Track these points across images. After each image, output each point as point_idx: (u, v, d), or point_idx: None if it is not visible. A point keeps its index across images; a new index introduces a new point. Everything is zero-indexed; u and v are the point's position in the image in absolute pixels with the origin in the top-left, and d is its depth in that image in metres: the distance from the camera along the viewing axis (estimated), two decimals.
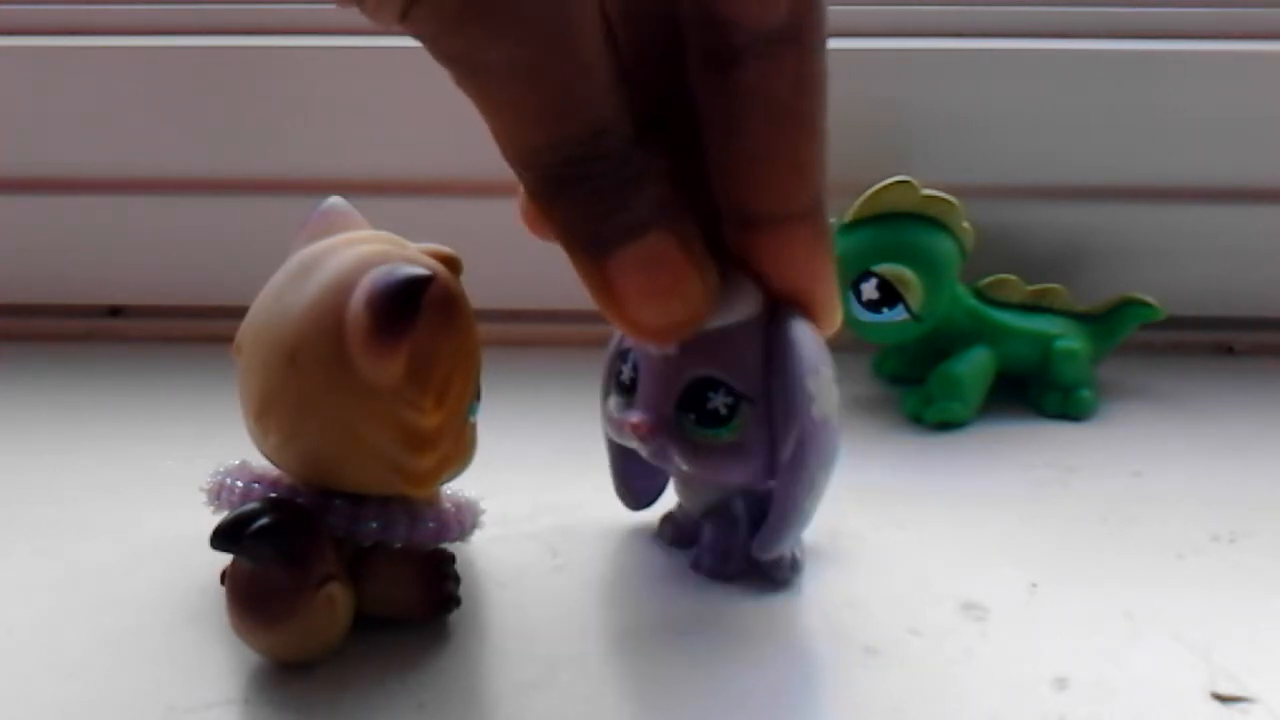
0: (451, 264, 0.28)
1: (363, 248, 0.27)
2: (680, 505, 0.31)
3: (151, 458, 0.36)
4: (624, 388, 0.29)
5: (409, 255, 0.27)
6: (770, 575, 0.30)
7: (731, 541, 0.30)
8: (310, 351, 0.26)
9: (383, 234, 0.28)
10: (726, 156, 0.27)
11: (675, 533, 0.31)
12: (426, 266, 0.26)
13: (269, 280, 0.27)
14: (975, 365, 0.38)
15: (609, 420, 0.30)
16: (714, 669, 0.27)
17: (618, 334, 0.30)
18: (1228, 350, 0.44)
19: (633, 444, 0.29)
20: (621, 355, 0.29)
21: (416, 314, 0.25)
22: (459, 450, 0.28)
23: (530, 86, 0.23)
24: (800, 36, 0.26)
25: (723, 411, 0.28)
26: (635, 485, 0.32)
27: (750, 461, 0.28)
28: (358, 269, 0.26)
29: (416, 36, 0.23)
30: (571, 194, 0.25)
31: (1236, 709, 0.26)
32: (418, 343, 0.26)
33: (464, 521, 0.29)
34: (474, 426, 0.29)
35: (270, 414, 0.27)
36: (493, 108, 0.24)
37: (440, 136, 0.41)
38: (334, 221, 0.28)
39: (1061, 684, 0.26)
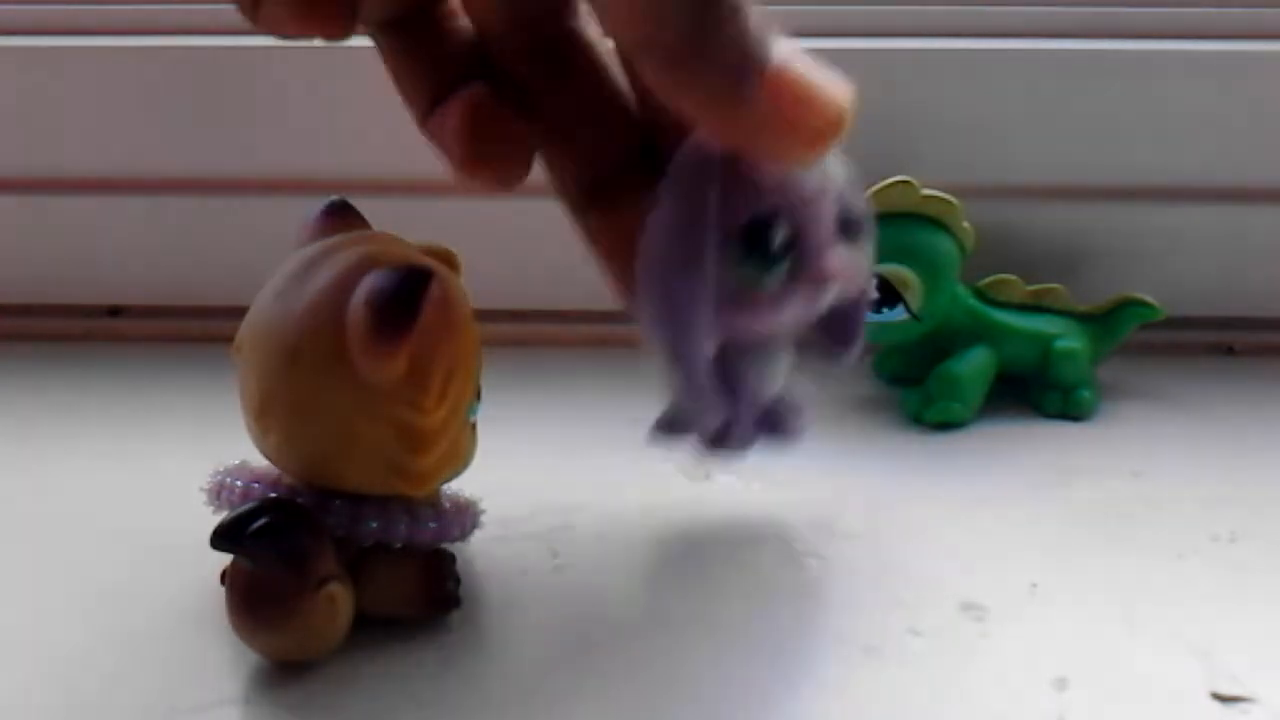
0: (451, 263, 0.28)
1: (363, 248, 0.27)
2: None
3: (152, 458, 0.36)
4: (775, 258, 0.26)
5: (409, 255, 0.27)
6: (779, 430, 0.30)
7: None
8: (310, 351, 0.26)
9: (383, 234, 0.28)
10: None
11: (669, 428, 0.30)
12: (426, 266, 0.26)
13: (269, 280, 0.27)
14: (975, 365, 0.38)
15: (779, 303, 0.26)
16: (714, 669, 0.27)
17: (712, 206, 0.25)
18: (1228, 350, 0.44)
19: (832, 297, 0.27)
20: (755, 224, 0.26)
21: (416, 314, 0.25)
22: (459, 450, 0.28)
23: None
24: None
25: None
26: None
27: None
28: (358, 269, 0.26)
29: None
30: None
31: (1236, 709, 0.26)
32: (418, 342, 0.26)
33: (464, 521, 0.29)
34: (474, 426, 0.29)
35: (270, 414, 0.27)
36: None
37: None
38: (334, 221, 0.28)
39: (1061, 684, 0.26)
